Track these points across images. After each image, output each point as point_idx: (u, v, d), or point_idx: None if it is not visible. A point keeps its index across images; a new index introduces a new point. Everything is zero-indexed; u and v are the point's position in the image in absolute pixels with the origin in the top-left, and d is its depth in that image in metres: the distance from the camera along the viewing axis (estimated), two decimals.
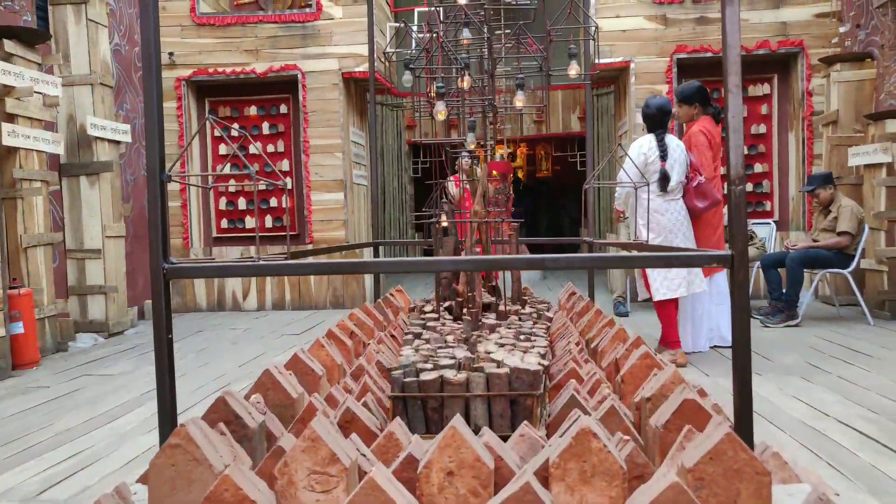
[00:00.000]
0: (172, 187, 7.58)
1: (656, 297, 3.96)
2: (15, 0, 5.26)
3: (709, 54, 6.99)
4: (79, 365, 4.71)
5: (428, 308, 2.58)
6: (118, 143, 6.10)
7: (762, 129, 7.17)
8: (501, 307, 2.42)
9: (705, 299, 4.27)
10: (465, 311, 2.37)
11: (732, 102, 1.25)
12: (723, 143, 4.21)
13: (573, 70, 3.62)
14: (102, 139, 5.85)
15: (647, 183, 3.73)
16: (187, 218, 7.55)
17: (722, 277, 4.49)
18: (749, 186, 7.32)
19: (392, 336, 2.53)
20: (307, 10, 7.46)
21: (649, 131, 4.08)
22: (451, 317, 2.43)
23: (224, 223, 7.73)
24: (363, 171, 8.31)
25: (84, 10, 5.71)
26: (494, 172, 3.40)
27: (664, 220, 3.92)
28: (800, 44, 6.89)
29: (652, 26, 7.07)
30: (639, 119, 7.34)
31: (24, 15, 5.34)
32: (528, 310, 2.52)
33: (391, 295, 3.44)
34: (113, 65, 6.37)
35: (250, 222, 7.66)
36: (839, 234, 5.24)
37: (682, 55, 7.04)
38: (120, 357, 4.96)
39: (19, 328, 4.56)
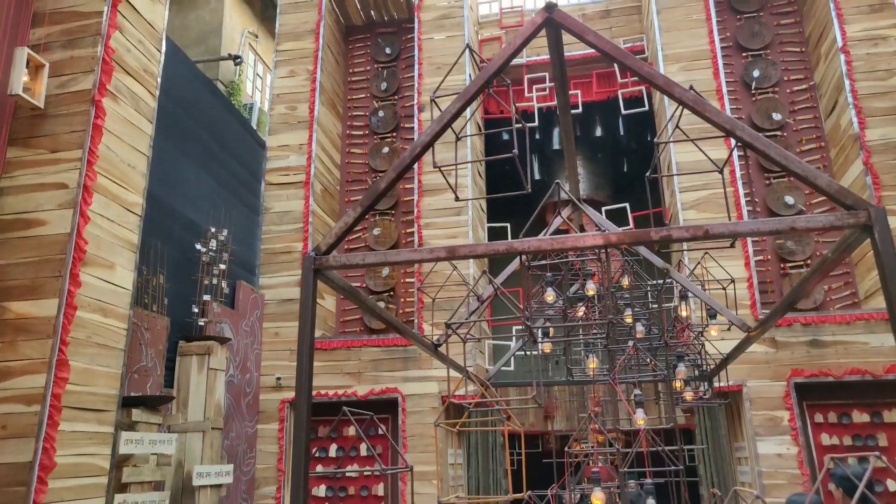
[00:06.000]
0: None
1: None
2: (149, 356, 5.73)
3: (830, 378, 6.54)
4: None
5: None
6: (220, 486, 6.06)
7: None
8: None
9: None
10: None
11: None
12: None
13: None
14: (206, 486, 5.82)
15: None
16: None
17: None
18: None
19: None
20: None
21: None
22: None
23: None
24: (461, 492, 7.84)
25: (207, 359, 6.13)
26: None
27: None
28: None
29: (762, 349, 6.81)
30: (760, 449, 6.73)
31: (155, 370, 5.77)
32: None
33: None
34: (224, 399, 6.64)
35: None
36: None
37: (799, 379, 6.63)
38: None
39: None
